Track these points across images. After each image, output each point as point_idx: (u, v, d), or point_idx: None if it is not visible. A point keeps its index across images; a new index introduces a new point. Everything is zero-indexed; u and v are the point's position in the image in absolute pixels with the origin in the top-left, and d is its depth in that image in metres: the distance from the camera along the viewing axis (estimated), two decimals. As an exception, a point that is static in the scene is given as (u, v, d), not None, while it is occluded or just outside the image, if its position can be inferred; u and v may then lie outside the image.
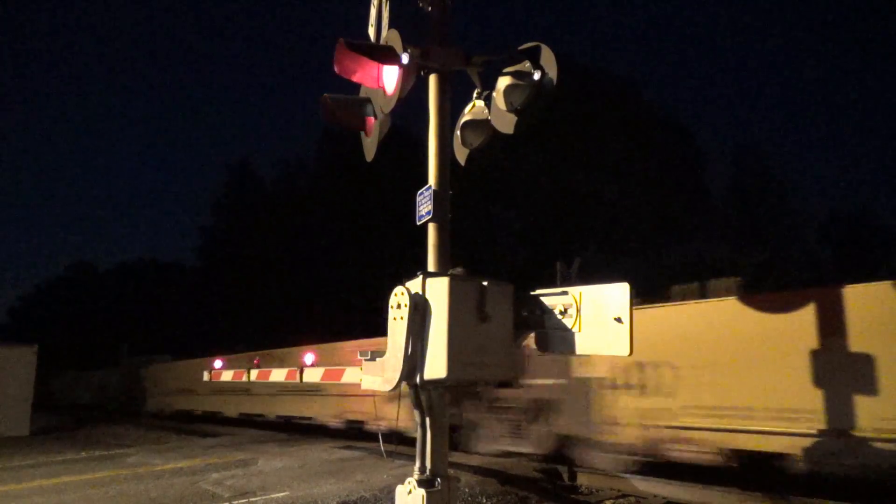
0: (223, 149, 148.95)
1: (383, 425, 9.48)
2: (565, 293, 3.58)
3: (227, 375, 8.01)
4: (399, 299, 3.45)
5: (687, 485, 6.13)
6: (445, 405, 3.80)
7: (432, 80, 4.15)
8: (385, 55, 3.97)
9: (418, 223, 4.10)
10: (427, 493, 3.52)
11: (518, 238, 27.58)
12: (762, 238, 25.09)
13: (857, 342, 4.97)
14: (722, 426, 5.69)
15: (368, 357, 3.75)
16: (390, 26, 4.22)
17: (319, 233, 32.65)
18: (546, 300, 3.68)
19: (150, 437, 14.68)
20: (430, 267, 3.92)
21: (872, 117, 65.70)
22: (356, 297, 26.74)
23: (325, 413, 12.38)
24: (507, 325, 3.59)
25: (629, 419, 6.44)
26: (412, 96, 4.07)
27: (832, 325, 5.05)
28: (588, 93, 26.13)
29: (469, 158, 4.41)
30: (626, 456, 6.50)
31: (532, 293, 3.75)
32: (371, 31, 4.54)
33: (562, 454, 7.20)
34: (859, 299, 5.02)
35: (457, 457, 8.01)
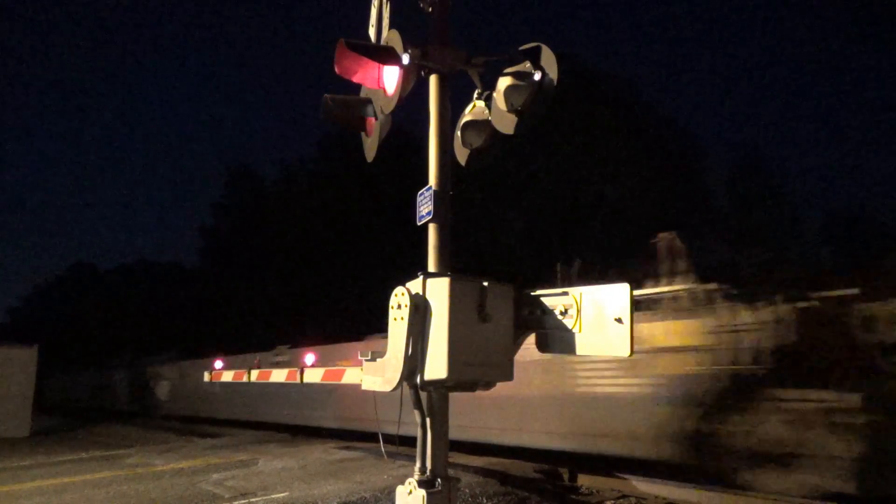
0: (223, 149, 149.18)
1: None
2: (566, 293, 3.57)
3: (227, 376, 8.00)
4: (399, 300, 3.44)
5: (687, 485, 6.13)
6: (446, 406, 3.80)
7: (433, 80, 4.14)
8: (385, 55, 3.97)
9: (419, 223, 4.10)
10: (427, 493, 3.52)
11: (519, 238, 27.53)
12: (762, 238, 25.04)
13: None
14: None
15: (369, 357, 3.74)
16: (391, 26, 4.21)
17: (320, 233, 32.61)
18: (546, 300, 3.66)
19: (150, 437, 14.68)
20: (431, 267, 3.92)
21: (872, 117, 65.65)
22: (356, 297, 26.74)
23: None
24: (508, 326, 3.58)
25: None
26: (413, 97, 4.07)
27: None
28: (588, 93, 26.11)
29: (469, 159, 4.40)
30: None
31: (532, 293, 3.74)
32: (371, 32, 4.53)
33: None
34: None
35: (457, 457, 8.03)
